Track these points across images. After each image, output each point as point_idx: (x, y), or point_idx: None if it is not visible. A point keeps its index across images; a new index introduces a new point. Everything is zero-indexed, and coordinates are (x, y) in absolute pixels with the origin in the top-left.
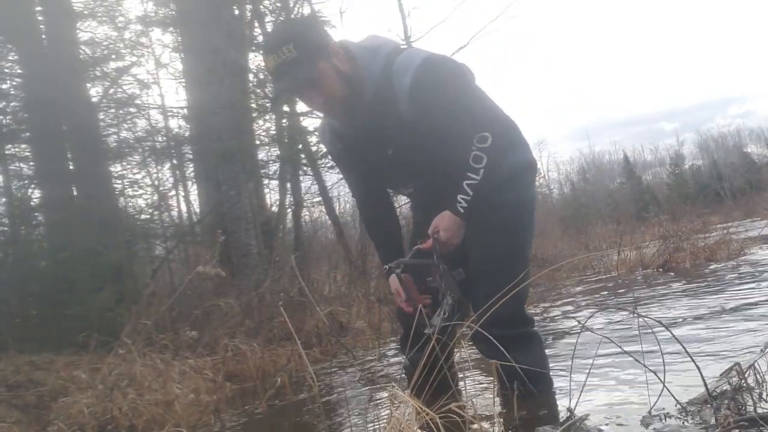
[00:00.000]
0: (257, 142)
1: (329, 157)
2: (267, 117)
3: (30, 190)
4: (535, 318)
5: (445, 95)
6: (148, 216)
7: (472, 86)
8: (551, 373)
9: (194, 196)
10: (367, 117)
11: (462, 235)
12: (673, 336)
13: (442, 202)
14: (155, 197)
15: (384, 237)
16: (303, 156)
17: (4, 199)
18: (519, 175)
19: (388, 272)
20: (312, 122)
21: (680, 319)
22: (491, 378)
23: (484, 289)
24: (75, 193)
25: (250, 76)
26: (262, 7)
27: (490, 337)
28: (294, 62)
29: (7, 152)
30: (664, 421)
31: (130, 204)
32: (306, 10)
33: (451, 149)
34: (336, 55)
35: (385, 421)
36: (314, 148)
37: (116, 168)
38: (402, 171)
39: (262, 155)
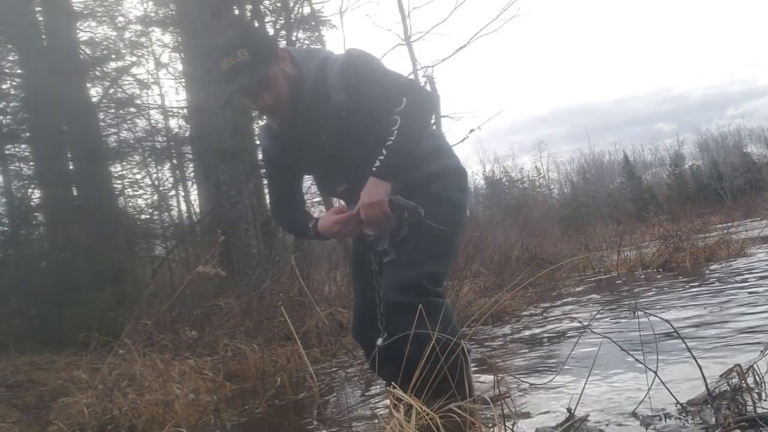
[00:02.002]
0: (257, 142)
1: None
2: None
3: (30, 191)
4: (534, 318)
5: (370, 75)
6: (148, 216)
7: (390, 70)
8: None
9: (194, 196)
10: (307, 109)
11: (383, 194)
12: (678, 334)
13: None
14: (155, 197)
15: (297, 212)
16: None
17: (4, 200)
18: (450, 176)
19: (315, 224)
20: None
21: (680, 320)
22: (491, 378)
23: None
24: (75, 194)
25: None
26: (262, 7)
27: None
28: (248, 64)
29: (7, 152)
30: (664, 421)
31: (131, 204)
32: (306, 10)
33: (378, 131)
34: (283, 60)
35: (385, 421)
36: None
37: (116, 168)
38: (335, 164)
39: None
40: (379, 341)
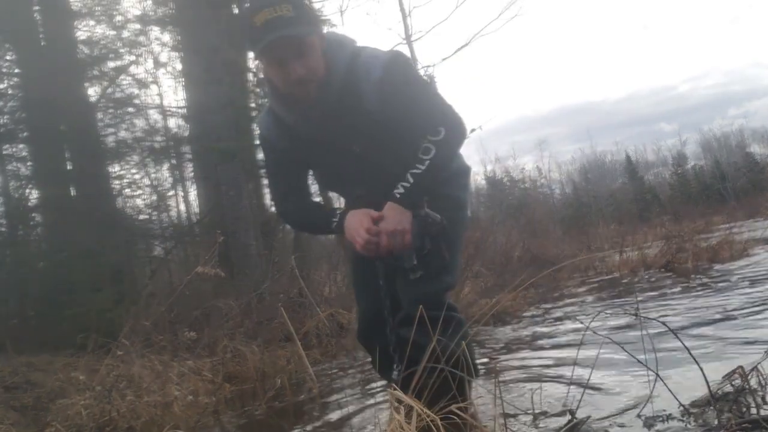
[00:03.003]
0: (257, 142)
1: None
2: None
3: (28, 191)
4: (536, 318)
5: (413, 89)
6: (146, 216)
7: (431, 85)
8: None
9: (193, 197)
10: (334, 111)
11: (407, 223)
12: (677, 337)
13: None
14: (154, 197)
15: (310, 207)
16: None
17: (1, 200)
18: (461, 176)
19: (341, 219)
20: None
21: (682, 321)
22: (492, 379)
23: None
24: (73, 194)
25: (250, 76)
26: None
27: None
28: (291, 20)
29: (4, 152)
30: (666, 422)
31: (129, 204)
32: None
33: (407, 147)
34: (321, 39)
35: (385, 422)
36: None
37: (115, 168)
38: (358, 171)
39: (261, 155)
40: (395, 374)
